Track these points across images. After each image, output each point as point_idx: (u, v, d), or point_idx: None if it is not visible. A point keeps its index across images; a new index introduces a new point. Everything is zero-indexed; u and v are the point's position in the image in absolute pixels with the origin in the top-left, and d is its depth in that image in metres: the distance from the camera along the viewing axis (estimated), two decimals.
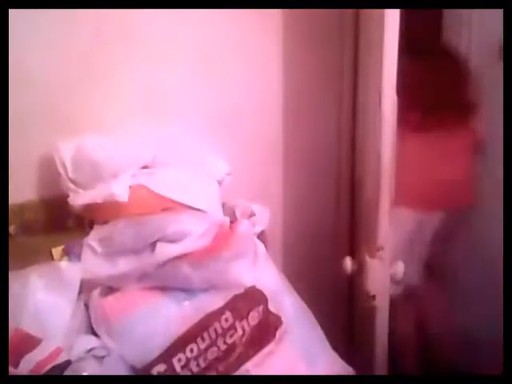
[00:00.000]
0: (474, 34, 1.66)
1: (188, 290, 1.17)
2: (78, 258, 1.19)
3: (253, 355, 1.16)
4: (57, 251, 1.22)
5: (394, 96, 1.31)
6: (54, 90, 1.32)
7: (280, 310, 1.22)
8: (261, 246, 1.32)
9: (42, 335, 1.04)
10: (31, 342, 1.02)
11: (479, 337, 1.76)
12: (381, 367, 1.56)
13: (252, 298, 1.20)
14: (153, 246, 1.17)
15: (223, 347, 1.14)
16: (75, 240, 1.22)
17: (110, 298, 1.15)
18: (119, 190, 1.22)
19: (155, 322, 1.13)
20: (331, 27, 1.63)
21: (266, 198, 1.60)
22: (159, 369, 1.08)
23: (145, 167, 1.33)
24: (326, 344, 1.29)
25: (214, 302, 1.16)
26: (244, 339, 1.16)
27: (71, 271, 1.15)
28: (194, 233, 1.18)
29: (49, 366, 1.00)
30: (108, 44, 1.36)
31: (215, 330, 1.13)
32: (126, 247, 1.18)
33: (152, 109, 1.45)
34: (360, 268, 1.49)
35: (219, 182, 1.41)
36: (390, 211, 1.39)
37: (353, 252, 1.64)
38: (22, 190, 1.31)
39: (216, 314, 1.14)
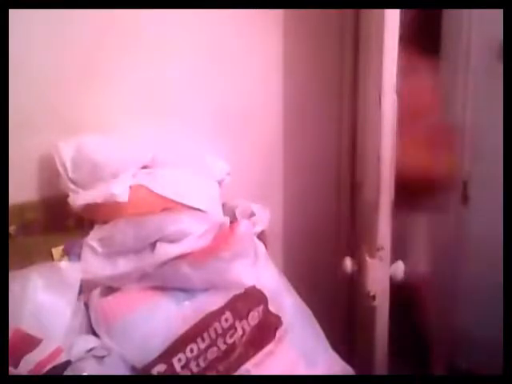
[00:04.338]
0: (473, 33, 1.66)
1: (188, 290, 1.17)
2: (78, 257, 1.19)
3: (253, 355, 1.16)
4: (57, 251, 1.21)
5: (394, 96, 1.31)
6: (54, 90, 1.32)
7: (280, 310, 1.22)
8: (261, 246, 1.32)
9: (42, 335, 1.04)
10: (31, 342, 1.02)
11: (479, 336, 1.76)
12: (381, 367, 1.56)
13: (252, 298, 1.20)
14: (153, 246, 1.17)
15: (223, 347, 1.14)
16: (75, 240, 1.22)
17: (110, 298, 1.15)
18: (119, 190, 1.22)
19: (155, 322, 1.13)
20: (331, 27, 1.63)
21: (266, 198, 1.60)
22: (159, 369, 1.08)
23: (145, 167, 1.33)
24: (326, 344, 1.29)
25: (213, 301, 1.16)
26: (244, 339, 1.16)
27: (71, 271, 1.15)
28: (193, 233, 1.18)
29: (49, 366, 0.99)
30: (108, 44, 1.36)
31: (215, 330, 1.13)
32: (126, 247, 1.18)
33: (152, 109, 1.45)
34: (360, 268, 1.49)
35: (219, 182, 1.41)
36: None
37: (353, 252, 1.64)
38: (22, 190, 1.31)
39: (216, 314, 1.15)
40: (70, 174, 1.25)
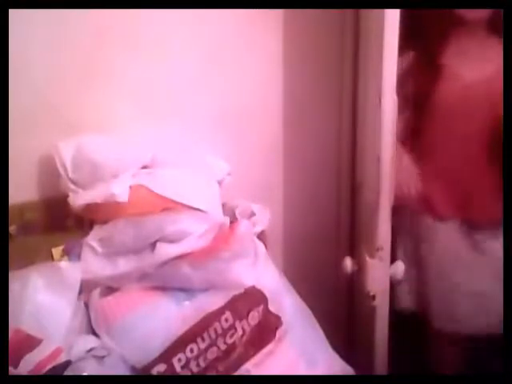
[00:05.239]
0: None
1: (188, 290, 1.17)
2: (78, 257, 1.19)
3: (253, 355, 1.16)
4: (57, 251, 1.22)
5: (394, 96, 1.30)
6: (54, 90, 1.32)
7: (280, 310, 1.22)
8: (261, 246, 1.32)
9: (42, 335, 1.04)
10: (31, 342, 1.02)
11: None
12: (381, 367, 1.56)
13: (252, 298, 1.20)
14: (153, 246, 1.17)
15: (223, 347, 1.14)
16: (75, 240, 1.22)
17: (110, 298, 1.15)
18: (119, 190, 1.22)
19: (155, 322, 1.13)
20: (331, 27, 1.63)
21: (266, 198, 1.60)
22: (159, 369, 1.08)
23: (145, 167, 1.33)
24: (326, 344, 1.29)
25: (213, 302, 1.16)
26: (244, 339, 1.16)
27: (71, 271, 1.15)
28: (193, 233, 1.19)
29: (49, 366, 1.00)
30: (108, 44, 1.36)
31: (215, 330, 1.13)
32: (126, 247, 1.18)
33: (152, 109, 1.45)
34: (360, 268, 1.49)
35: (219, 182, 1.41)
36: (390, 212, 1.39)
37: (353, 252, 1.64)
38: (22, 190, 1.31)
39: (216, 314, 1.15)
40: (70, 174, 1.26)
